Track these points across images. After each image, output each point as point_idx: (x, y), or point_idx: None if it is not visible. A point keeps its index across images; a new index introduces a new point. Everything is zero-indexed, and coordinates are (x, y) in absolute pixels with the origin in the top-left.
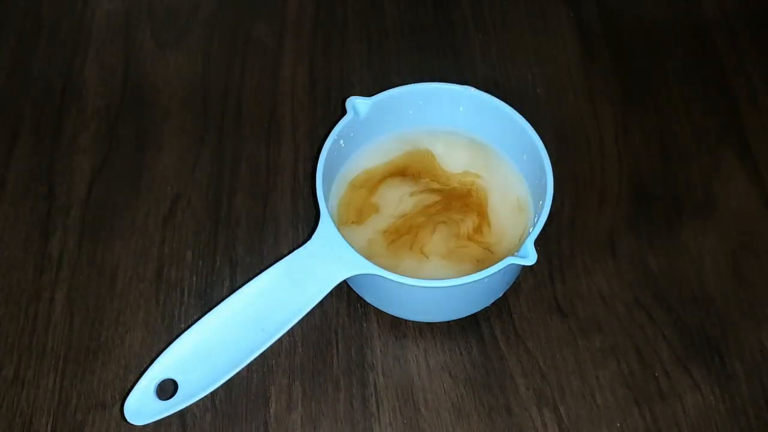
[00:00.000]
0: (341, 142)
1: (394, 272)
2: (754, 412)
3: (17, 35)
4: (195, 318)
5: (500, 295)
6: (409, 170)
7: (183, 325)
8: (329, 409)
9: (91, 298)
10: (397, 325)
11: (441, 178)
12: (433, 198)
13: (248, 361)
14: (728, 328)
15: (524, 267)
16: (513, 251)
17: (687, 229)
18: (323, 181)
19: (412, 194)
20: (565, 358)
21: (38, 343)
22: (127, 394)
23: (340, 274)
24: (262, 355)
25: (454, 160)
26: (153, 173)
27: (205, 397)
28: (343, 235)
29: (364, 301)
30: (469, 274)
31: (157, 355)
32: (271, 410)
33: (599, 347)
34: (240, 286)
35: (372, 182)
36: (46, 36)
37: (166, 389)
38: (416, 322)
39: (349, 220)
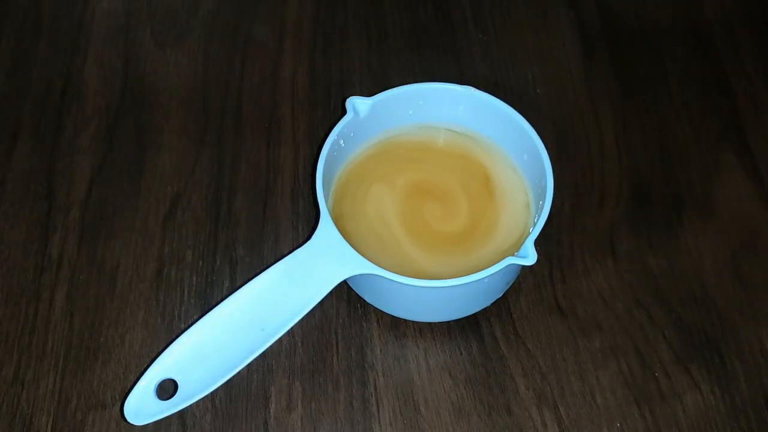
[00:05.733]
0: (341, 142)
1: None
2: (754, 412)
3: (17, 35)
4: (195, 318)
5: (500, 295)
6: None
7: (183, 325)
8: (329, 409)
9: (91, 298)
10: (397, 325)
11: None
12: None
13: (248, 361)
14: (728, 328)
15: (524, 267)
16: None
17: (687, 229)
18: (323, 181)
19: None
20: (565, 358)
21: (38, 343)
22: (127, 394)
23: (340, 274)
24: (262, 355)
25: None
26: (153, 173)
27: (205, 397)
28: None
29: (364, 301)
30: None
31: (157, 355)
32: (271, 410)
33: (599, 347)
34: (240, 286)
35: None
36: (46, 36)
37: (166, 389)
38: (416, 322)
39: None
